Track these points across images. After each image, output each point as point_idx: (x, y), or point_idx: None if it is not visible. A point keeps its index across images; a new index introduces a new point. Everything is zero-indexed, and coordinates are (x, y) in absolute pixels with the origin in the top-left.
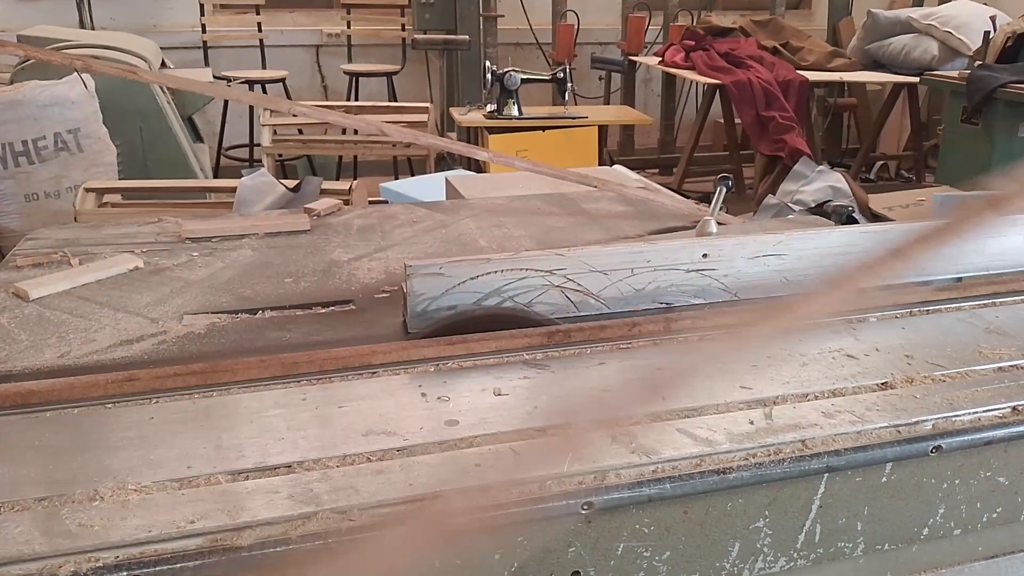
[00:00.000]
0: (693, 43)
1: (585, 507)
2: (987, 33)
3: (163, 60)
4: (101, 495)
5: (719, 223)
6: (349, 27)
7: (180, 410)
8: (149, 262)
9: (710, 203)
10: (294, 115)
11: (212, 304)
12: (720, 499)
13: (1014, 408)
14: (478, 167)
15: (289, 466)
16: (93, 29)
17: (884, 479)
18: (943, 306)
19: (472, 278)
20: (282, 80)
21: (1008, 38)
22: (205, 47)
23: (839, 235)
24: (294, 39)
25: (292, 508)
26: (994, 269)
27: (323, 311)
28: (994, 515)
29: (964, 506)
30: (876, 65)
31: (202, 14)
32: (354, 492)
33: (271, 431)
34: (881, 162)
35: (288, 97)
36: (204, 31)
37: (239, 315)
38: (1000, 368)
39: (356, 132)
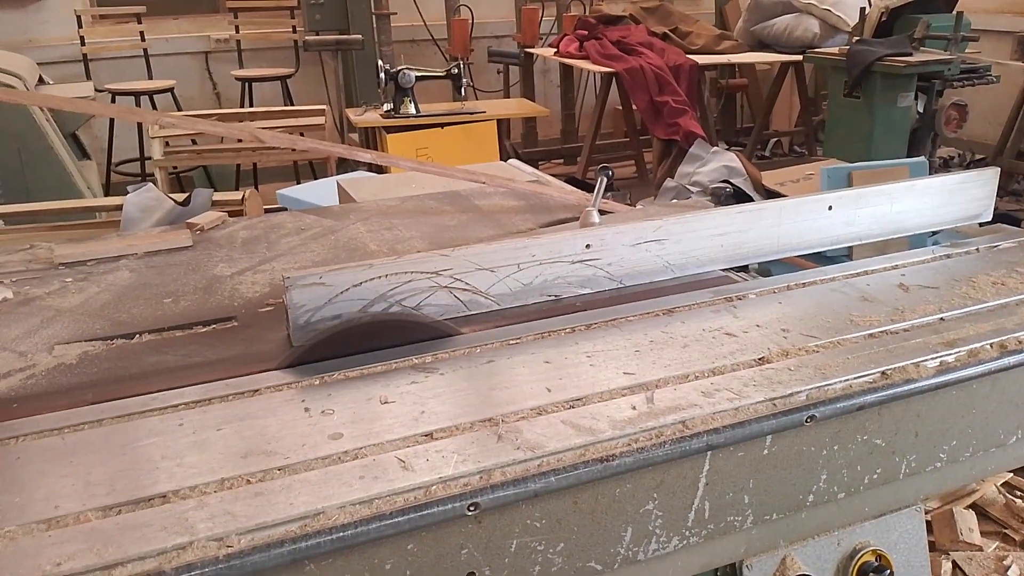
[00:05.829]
0: (586, 32)
1: (472, 508)
2: (863, 9)
3: (40, 76)
4: None
5: (602, 212)
6: (237, 32)
7: (48, 448)
8: (19, 292)
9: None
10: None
11: (85, 332)
12: (608, 486)
13: (883, 373)
14: (379, 168)
15: (163, 496)
16: None
17: (765, 451)
18: (818, 278)
19: (355, 285)
20: (170, 90)
21: (882, 13)
22: (86, 60)
23: (715, 217)
24: (180, 47)
25: (165, 540)
26: (867, 238)
27: (204, 330)
28: (875, 476)
29: (845, 470)
30: (762, 45)
31: (80, 26)
32: (231, 517)
33: (144, 461)
34: (775, 139)
35: (178, 107)
36: (83, 43)
37: (114, 341)
38: (871, 335)
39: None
